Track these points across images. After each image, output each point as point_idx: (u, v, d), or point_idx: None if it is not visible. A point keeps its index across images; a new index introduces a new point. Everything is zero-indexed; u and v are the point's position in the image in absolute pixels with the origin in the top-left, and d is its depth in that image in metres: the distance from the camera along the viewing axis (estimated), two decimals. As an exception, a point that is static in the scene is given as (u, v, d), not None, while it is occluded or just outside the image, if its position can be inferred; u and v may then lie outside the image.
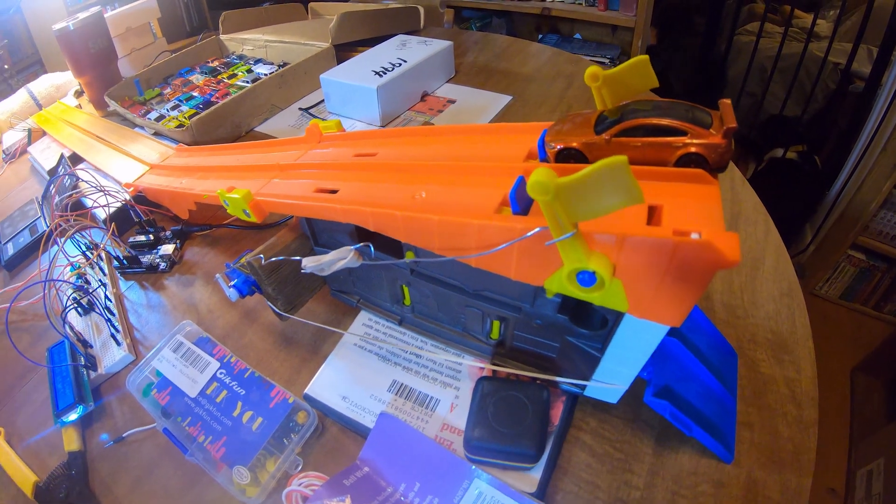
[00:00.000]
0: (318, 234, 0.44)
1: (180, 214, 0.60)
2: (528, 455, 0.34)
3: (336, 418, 0.42)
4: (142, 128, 0.83)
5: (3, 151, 1.03)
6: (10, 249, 0.71)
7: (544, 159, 0.33)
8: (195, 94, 0.91)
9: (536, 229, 0.24)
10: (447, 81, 0.87)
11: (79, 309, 0.54)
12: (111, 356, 0.51)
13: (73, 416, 0.46)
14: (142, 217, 0.61)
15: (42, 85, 1.17)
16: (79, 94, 1.13)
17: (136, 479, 0.42)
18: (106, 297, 0.55)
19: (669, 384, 0.34)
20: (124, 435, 0.44)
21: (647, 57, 0.29)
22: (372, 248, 0.36)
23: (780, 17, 1.66)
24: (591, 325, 0.32)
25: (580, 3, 1.71)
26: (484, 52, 1.00)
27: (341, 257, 0.35)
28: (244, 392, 0.43)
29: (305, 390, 0.44)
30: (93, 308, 0.53)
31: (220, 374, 0.45)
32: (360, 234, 0.39)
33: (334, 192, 0.38)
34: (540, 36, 1.94)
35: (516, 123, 0.38)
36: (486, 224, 0.27)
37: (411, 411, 0.40)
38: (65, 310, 0.52)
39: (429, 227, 0.30)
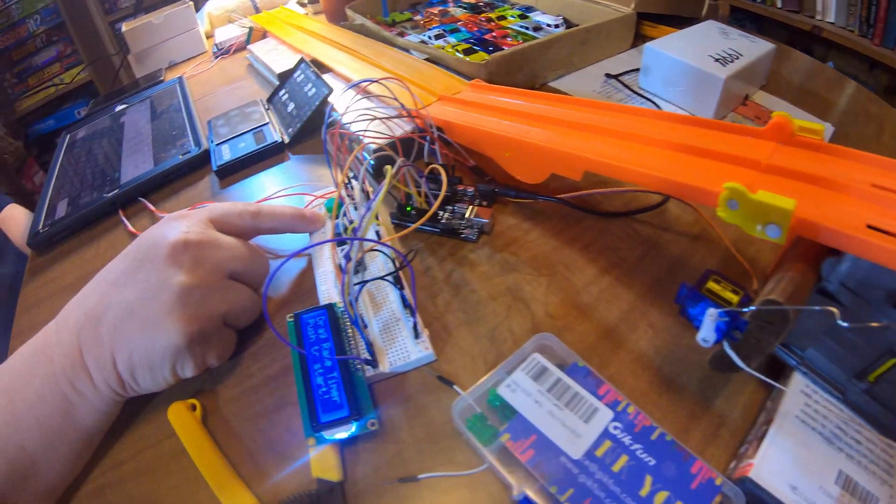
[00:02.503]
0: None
1: (513, 171, 0.41)
2: None
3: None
4: (405, 49, 0.66)
5: (216, 45, 0.92)
6: (226, 154, 0.56)
7: None
8: (460, 27, 0.74)
9: None
10: (759, 89, 0.67)
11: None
12: (402, 350, 0.33)
13: (341, 435, 0.29)
14: (438, 158, 0.43)
15: (263, -13, 1.06)
16: (303, 3, 1.02)
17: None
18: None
19: None
20: (420, 477, 0.28)
21: None
22: None
23: None
24: None
25: (852, 30, 1.41)
26: (785, 65, 0.77)
27: None
28: (654, 462, 0.26)
29: (750, 472, 0.25)
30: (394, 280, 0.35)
31: (615, 428, 0.27)
32: None
33: None
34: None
35: None
36: None
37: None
38: (346, 272, 0.34)
39: None
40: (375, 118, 0.41)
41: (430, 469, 0.28)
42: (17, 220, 0.65)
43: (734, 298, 0.29)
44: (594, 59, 0.69)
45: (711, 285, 0.29)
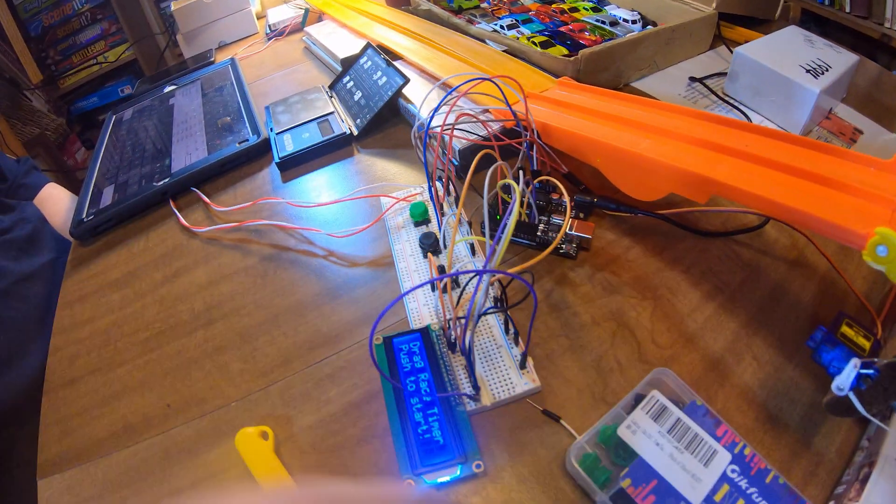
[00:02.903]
0: None
1: (622, 185, 0.37)
2: None
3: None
4: (479, 39, 0.61)
5: (268, 26, 0.89)
6: (289, 144, 0.52)
7: None
8: (533, 17, 0.68)
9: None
10: (840, 101, 0.62)
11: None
12: (505, 381, 0.29)
13: (444, 478, 0.25)
14: (534, 164, 0.38)
15: (319, -33, 1.02)
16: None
17: None
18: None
19: None
20: None
21: None
22: None
23: None
24: None
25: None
26: (860, 76, 0.70)
27: None
28: None
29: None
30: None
31: (732, 471, 0.26)
32: None
33: None
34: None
35: None
36: None
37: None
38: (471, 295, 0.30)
39: None
40: (478, 119, 0.36)
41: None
42: (57, 201, 0.61)
43: (866, 345, 0.28)
44: (676, 60, 0.64)
45: (846, 330, 0.29)
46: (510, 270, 0.24)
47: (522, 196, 0.35)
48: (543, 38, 0.61)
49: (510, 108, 0.33)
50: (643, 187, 0.36)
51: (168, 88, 0.74)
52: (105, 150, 0.62)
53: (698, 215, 0.41)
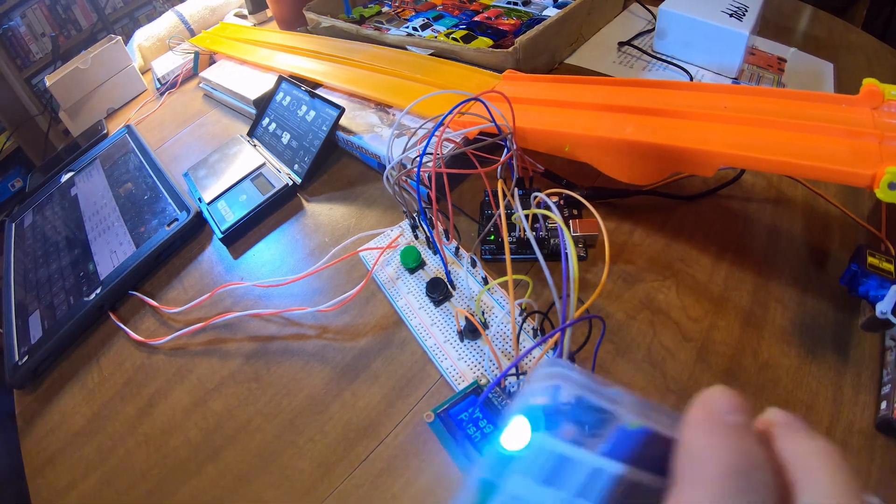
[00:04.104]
0: None
1: (614, 173, 0.35)
2: None
3: None
4: (399, 47, 0.57)
5: (157, 80, 0.80)
6: (227, 213, 0.46)
7: None
8: (442, 12, 0.65)
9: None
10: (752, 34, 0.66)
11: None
12: None
13: None
14: (514, 172, 0.35)
15: (193, 7, 0.93)
16: (242, 15, 0.90)
17: None
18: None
19: None
20: None
21: None
22: None
23: None
24: None
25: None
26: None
27: None
28: None
29: None
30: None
31: None
32: None
33: None
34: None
35: None
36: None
37: None
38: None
39: None
40: (461, 147, 0.33)
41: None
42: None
43: (891, 268, 0.30)
44: (597, 28, 0.63)
45: (871, 260, 0.31)
46: (575, 316, 0.21)
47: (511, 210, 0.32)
48: (463, 32, 0.58)
49: (496, 125, 0.30)
50: (641, 173, 0.35)
51: (65, 177, 0.64)
52: (14, 270, 0.52)
53: (682, 182, 0.41)
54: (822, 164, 0.28)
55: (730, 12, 0.57)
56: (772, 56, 0.65)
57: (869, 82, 0.31)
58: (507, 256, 0.25)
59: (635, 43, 0.58)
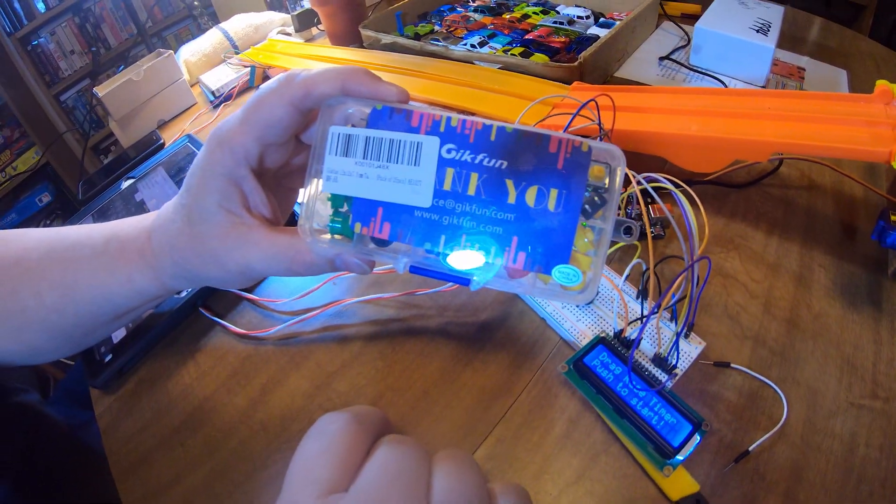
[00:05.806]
0: None
1: (686, 164, 0.44)
2: None
3: None
4: (467, 62, 0.64)
5: (212, 93, 0.85)
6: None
7: None
8: (495, 31, 0.73)
9: None
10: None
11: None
12: (683, 354, 0.33)
13: (688, 449, 0.28)
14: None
15: (238, 24, 0.99)
16: (288, 33, 0.96)
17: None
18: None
19: None
20: (751, 448, 0.30)
21: None
22: None
23: None
24: None
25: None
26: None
27: None
28: (506, 163, 0.24)
29: None
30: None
31: (448, 151, 0.24)
32: None
33: None
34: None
35: None
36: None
37: None
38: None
39: None
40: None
41: (752, 441, 0.30)
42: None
43: None
44: (637, 45, 0.70)
45: (894, 218, 0.36)
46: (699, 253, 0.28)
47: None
48: (521, 49, 0.65)
49: (600, 126, 0.37)
50: (708, 162, 0.42)
51: (125, 184, 0.67)
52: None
53: (731, 174, 0.48)
54: (850, 146, 0.36)
55: (756, 28, 0.65)
56: (792, 66, 0.72)
57: (881, 83, 0.39)
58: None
59: (673, 57, 0.66)
